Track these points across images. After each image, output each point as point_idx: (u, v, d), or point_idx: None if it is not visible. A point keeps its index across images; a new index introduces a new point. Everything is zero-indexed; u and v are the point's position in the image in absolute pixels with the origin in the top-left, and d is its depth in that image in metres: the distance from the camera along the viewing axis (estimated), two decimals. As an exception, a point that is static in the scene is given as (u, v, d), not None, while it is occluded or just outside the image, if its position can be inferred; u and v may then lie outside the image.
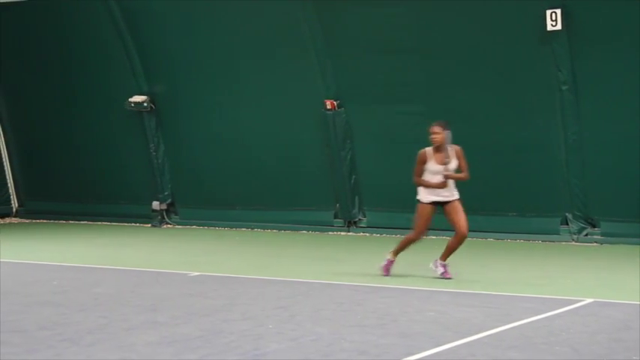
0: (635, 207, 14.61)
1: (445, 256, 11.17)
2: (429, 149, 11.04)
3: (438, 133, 10.96)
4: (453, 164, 10.96)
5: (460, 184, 11.13)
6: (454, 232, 11.02)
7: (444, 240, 11.64)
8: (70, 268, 12.60)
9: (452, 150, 11.01)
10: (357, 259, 13.63)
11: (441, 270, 11.17)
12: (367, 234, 16.61)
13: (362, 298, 9.86)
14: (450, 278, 11.04)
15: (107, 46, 18.22)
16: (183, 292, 10.41)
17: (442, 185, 10.86)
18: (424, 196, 11.00)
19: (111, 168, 18.99)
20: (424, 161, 10.98)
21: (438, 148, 10.98)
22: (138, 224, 18.65)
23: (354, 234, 16.72)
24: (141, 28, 17.80)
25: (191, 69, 17.76)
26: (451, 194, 10.97)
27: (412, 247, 11.33)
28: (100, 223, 19.01)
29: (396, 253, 11.36)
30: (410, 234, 11.26)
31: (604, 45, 14.36)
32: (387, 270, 11.36)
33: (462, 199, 11.09)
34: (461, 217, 10.89)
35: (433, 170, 10.94)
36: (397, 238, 15.85)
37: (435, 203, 10.97)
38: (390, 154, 16.36)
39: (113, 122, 18.71)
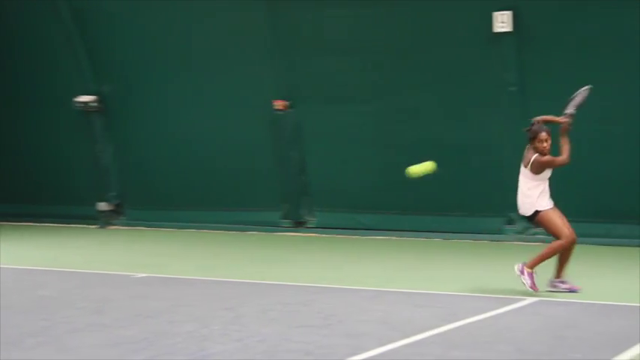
0: (580, 206, 14.75)
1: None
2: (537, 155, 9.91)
3: (546, 141, 9.87)
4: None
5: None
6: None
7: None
8: (13, 270, 12.40)
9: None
10: (304, 259, 13.64)
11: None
12: (315, 234, 16.60)
13: (308, 299, 9.85)
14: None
15: (55, 45, 18.01)
16: (128, 293, 10.33)
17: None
18: (541, 204, 9.99)
19: (57, 168, 18.76)
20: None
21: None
22: (84, 225, 18.42)
23: (302, 234, 16.70)
24: (89, 27, 17.62)
25: (141, 69, 17.62)
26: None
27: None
28: (44, 224, 18.77)
29: (560, 273, 10.14)
30: (557, 243, 9.99)
31: (551, 46, 14.49)
32: (571, 288, 10.12)
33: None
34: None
35: (544, 177, 9.99)
36: (346, 239, 16.00)
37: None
38: (341, 155, 16.38)
39: (60, 122, 18.49)
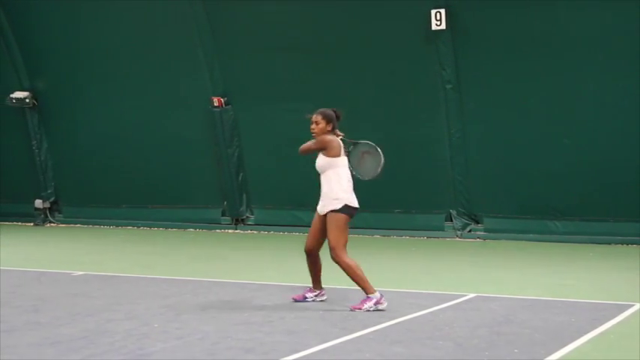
0: (516, 203, 14.98)
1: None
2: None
3: (318, 124, 9.55)
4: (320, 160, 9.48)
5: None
6: None
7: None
8: (-52, 269, 12.21)
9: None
10: (244, 256, 13.62)
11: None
12: (255, 231, 16.59)
13: (249, 296, 9.84)
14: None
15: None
16: (66, 292, 10.21)
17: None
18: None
19: (-8, 166, 18.54)
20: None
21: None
22: (20, 223, 18.23)
23: (241, 232, 16.69)
24: (22, 23, 17.41)
25: (75, 65, 17.47)
26: (323, 205, 9.16)
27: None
28: (-20, 222, 18.52)
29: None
30: None
31: (486, 45, 14.67)
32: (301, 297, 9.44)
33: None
34: (328, 235, 8.98)
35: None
36: (284, 235, 16.03)
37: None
38: (278, 152, 16.39)
39: (-6, 119, 18.28)
